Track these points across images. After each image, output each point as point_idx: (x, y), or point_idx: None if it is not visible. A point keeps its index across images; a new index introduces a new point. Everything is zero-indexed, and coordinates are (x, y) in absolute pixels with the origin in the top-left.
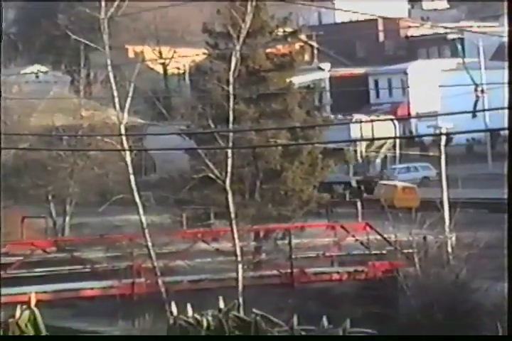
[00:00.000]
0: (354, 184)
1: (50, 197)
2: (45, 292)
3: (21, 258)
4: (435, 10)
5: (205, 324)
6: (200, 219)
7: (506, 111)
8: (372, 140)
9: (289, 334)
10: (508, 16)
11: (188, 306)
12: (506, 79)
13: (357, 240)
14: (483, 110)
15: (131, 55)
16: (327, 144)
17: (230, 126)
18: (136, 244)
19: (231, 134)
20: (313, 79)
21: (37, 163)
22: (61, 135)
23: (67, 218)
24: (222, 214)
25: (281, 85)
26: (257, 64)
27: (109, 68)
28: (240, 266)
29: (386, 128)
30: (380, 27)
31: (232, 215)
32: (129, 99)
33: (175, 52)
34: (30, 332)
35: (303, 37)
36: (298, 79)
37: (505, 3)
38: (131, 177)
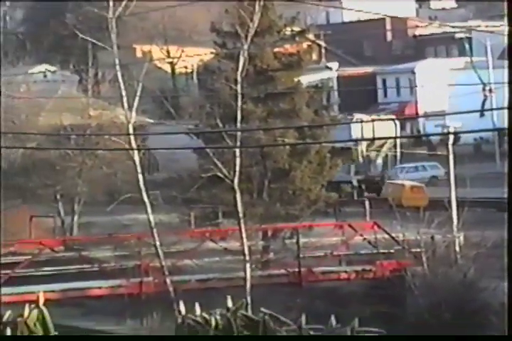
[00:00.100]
0: (355, 183)
1: (58, 197)
2: (53, 291)
3: (30, 257)
4: (443, 9)
5: (213, 323)
6: (209, 218)
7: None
8: (375, 139)
9: (297, 333)
10: (508, 16)
11: (197, 305)
12: (506, 79)
13: (365, 239)
14: (491, 109)
15: (139, 54)
16: (334, 143)
17: (238, 125)
18: (144, 243)
19: (239, 133)
20: (321, 79)
21: (45, 163)
22: (69, 134)
23: (76, 217)
24: (230, 213)
25: (289, 84)
26: (264, 63)
27: (117, 67)
28: (247, 265)
29: (387, 128)
30: (388, 26)
31: (241, 214)
32: (137, 99)
33: (183, 51)
34: (39, 331)
35: (311, 36)
36: (306, 79)
37: (505, 3)
38: (140, 176)
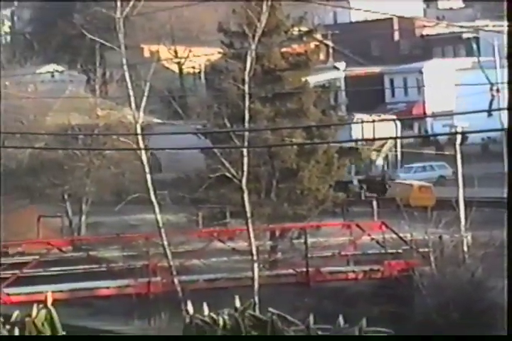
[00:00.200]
0: (356, 183)
1: (66, 196)
2: (61, 291)
3: (38, 257)
4: (450, 9)
5: (221, 323)
6: (216, 218)
7: None
8: (381, 139)
9: (305, 333)
10: (508, 16)
11: (204, 305)
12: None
13: (373, 239)
14: (499, 109)
15: (146, 54)
16: (342, 143)
17: (246, 125)
18: (152, 243)
19: (247, 133)
20: (329, 79)
21: (53, 163)
22: (77, 134)
23: (83, 217)
24: (238, 213)
25: (297, 84)
26: (272, 63)
27: (125, 67)
28: (255, 265)
29: (387, 128)
30: (396, 26)
31: (248, 214)
32: (144, 98)
33: (190, 51)
34: (47, 331)
35: (318, 36)
36: (313, 79)
37: (505, 3)
38: (148, 176)
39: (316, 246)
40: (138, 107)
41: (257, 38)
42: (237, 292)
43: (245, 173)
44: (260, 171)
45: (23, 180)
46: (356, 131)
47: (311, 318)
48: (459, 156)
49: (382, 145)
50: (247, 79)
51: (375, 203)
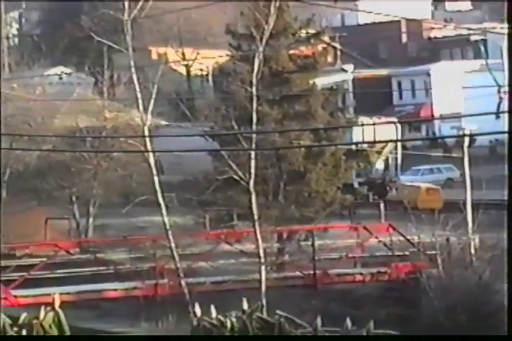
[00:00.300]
0: (357, 185)
1: (73, 199)
2: (68, 293)
3: (45, 259)
4: (458, 11)
5: (228, 325)
6: (224, 220)
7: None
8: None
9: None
10: (508, 16)
11: (212, 307)
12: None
13: (380, 241)
14: (501, 112)
15: (154, 56)
16: (350, 145)
17: (254, 127)
18: (159, 245)
19: (254, 136)
20: (337, 81)
21: (61, 165)
22: (84, 136)
23: (91, 219)
24: (245, 215)
25: (305, 87)
26: (280, 65)
27: (133, 70)
28: (263, 267)
29: (388, 131)
30: (403, 28)
31: (256, 216)
32: (152, 101)
33: (198, 53)
34: (55, 333)
35: (326, 38)
36: (321, 81)
37: (505, 3)
38: (155, 178)
39: (324, 248)
40: (146, 109)
41: (264, 40)
42: (245, 294)
43: (253, 175)
44: (268, 173)
45: (31, 182)
46: (357, 134)
47: (319, 320)
48: (466, 159)
49: (383, 148)
50: (254, 81)
51: (382, 205)
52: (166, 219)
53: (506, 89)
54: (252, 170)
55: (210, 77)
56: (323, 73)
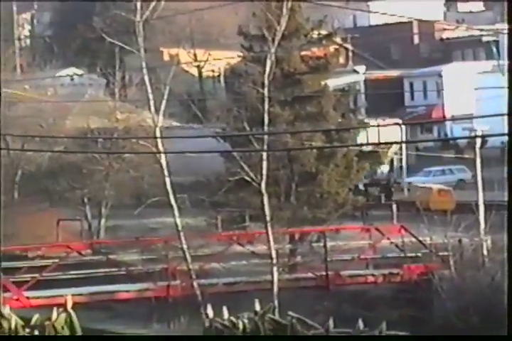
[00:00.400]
0: (362, 187)
1: (85, 200)
2: (80, 294)
3: (57, 260)
4: (470, 12)
5: (240, 326)
6: (236, 221)
7: None
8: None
9: None
10: (508, 16)
11: (224, 309)
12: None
13: (392, 243)
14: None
15: (166, 57)
16: (361, 146)
17: (265, 128)
18: (171, 246)
19: (266, 137)
20: (348, 82)
21: (72, 166)
22: (96, 137)
23: (103, 220)
24: (257, 216)
25: (316, 88)
26: (292, 66)
27: (144, 71)
28: (275, 268)
29: (393, 132)
30: (415, 29)
31: (268, 218)
32: (164, 102)
33: (210, 54)
34: (67, 334)
35: (338, 39)
36: (333, 82)
37: (505, 3)
38: (167, 179)
39: (336, 249)
40: (157, 111)
41: (276, 42)
42: (257, 295)
43: (264, 177)
44: (279, 175)
45: (43, 184)
46: (361, 135)
47: (331, 322)
48: (478, 160)
49: (388, 149)
50: (266, 82)
51: (394, 207)
52: (178, 220)
53: None
54: (264, 172)
55: (221, 78)
56: (335, 74)
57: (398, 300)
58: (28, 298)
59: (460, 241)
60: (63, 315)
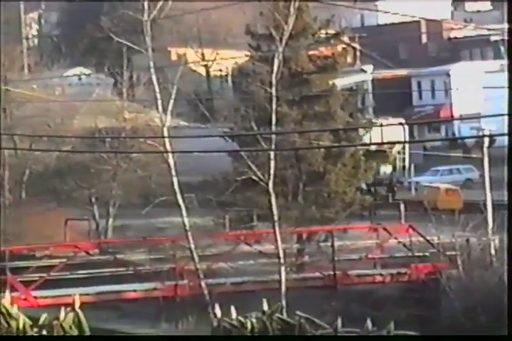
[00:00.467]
0: (364, 187)
1: (93, 200)
2: (88, 294)
3: (65, 260)
4: (478, 11)
5: (249, 326)
6: (243, 221)
7: None
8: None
9: None
10: (508, 16)
11: (232, 308)
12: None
13: (400, 242)
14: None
15: (173, 57)
16: (369, 146)
17: (273, 128)
18: (178, 246)
19: (274, 136)
20: (356, 81)
21: (80, 166)
22: (104, 137)
23: (110, 220)
24: (265, 216)
25: (324, 87)
26: (299, 66)
27: (152, 70)
28: (282, 268)
29: (395, 132)
30: (423, 29)
31: (275, 217)
32: (171, 101)
33: (217, 54)
34: (75, 334)
35: (345, 39)
36: (340, 81)
37: (505, 3)
38: (174, 179)
39: (343, 249)
40: (165, 110)
41: (284, 41)
42: (265, 295)
43: (272, 176)
44: (287, 174)
45: (51, 183)
46: (368, 135)
47: (339, 321)
48: (486, 159)
49: (390, 149)
50: (274, 82)
51: (402, 206)
52: (185, 219)
53: None
54: (272, 171)
55: (229, 78)
56: (343, 74)
57: (406, 300)
58: (35, 297)
59: (468, 240)
60: (71, 315)
